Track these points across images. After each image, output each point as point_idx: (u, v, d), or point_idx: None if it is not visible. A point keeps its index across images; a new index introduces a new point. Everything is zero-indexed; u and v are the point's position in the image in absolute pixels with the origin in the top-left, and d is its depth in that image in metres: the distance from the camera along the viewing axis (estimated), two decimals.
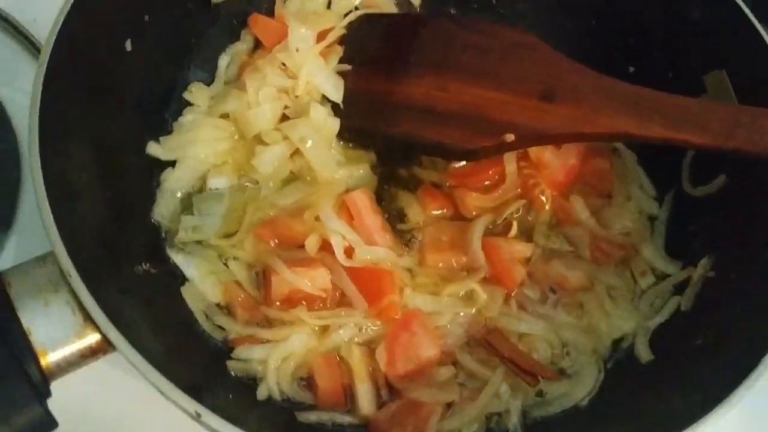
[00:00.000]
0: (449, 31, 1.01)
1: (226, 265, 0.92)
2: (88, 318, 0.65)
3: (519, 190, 1.00)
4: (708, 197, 0.96)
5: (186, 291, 0.89)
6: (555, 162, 1.00)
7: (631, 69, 1.05)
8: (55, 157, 0.74)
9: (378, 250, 0.91)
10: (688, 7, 0.97)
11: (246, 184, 0.97)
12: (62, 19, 0.80)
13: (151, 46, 0.94)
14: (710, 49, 0.96)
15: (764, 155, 0.79)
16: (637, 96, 0.86)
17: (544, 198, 1.00)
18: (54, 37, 0.79)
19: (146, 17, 0.93)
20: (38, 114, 0.74)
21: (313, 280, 0.87)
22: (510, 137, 0.90)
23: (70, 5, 0.81)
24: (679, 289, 0.93)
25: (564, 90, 0.90)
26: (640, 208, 1.01)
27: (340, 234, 0.90)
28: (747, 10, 0.92)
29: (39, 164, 0.71)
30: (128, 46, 0.90)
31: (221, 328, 0.88)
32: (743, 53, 0.93)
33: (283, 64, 1.00)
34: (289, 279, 0.86)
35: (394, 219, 0.99)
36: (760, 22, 0.91)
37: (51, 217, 0.67)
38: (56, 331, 0.65)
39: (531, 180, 1.00)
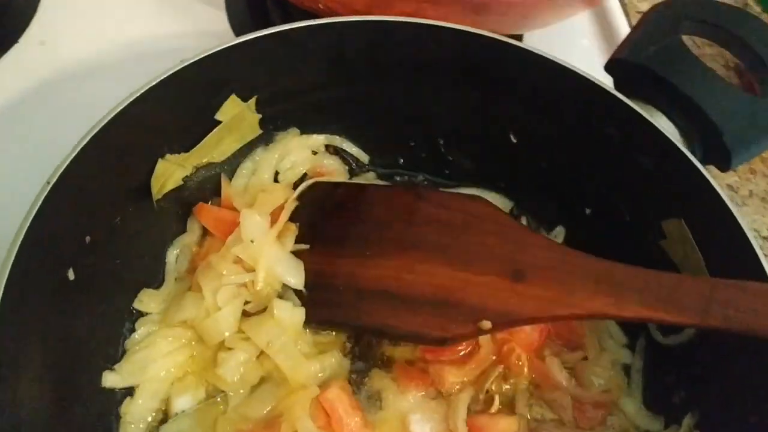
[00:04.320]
0: (407, 203, 0.98)
1: None
2: None
3: (494, 357, 0.99)
4: (681, 346, 0.97)
5: None
6: (528, 327, 0.99)
7: (588, 211, 1.06)
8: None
9: None
10: (640, 158, 0.98)
11: (213, 397, 0.91)
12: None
13: (94, 269, 0.87)
14: (665, 197, 0.97)
15: (741, 332, 0.80)
16: (610, 273, 0.85)
17: (520, 363, 0.98)
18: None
19: (87, 238, 0.86)
20: None
21: None
22: (487, 324, 0.87)
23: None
24: None
25: (533, 268, 0.88)
26: (613, 359, 1.01)
27: None
28: (696, 162, 0.94)
29: None
30: (71, 275, 0.84)
31: None
32: (697, 204, 0.95)
33: (238, 257, 0.95)
34: None
35: (371, 402, 0.95)
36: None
37: None
38: None
39: (505, 345, 0.98)
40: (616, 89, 0.93)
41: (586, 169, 1.04)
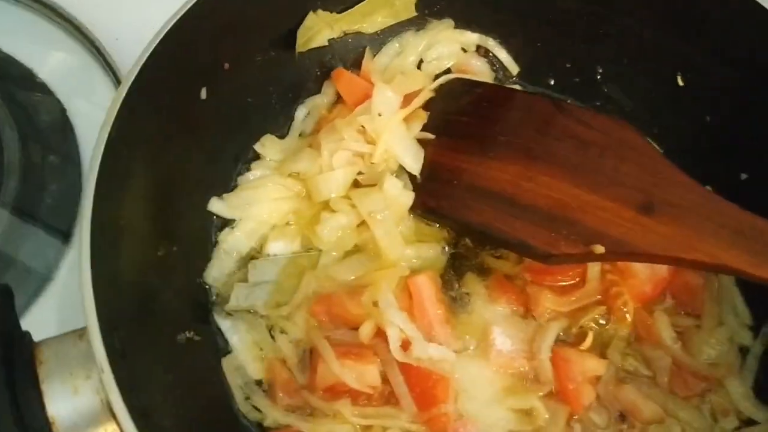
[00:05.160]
0: (547, 114, 0.92)
1: (273, 337, 0.86)
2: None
3: (599, 296, 0.92)
4: None
5: (227, 363, 0.84)
6: (644, 272, 0.91)
7: (743, 176, 0.95)
8: (110, 201, 0.70)
9: (437, 349, 0.83)
10: None
11: (306, 251, 0.91)
12: (145, 56, 0.77)
13: (227, 96, 0.89)
14: None
15: None
16: (753, 226, 0.76)
17: (625, 310, 0.91)
18: (135, 73, 0.75)
19: (226, 65, 0.88)
20: (103, 149, 0.70)
21: (361, 376, 0.81)
22: (599, 249, 0.81)
23: (154, 45, 0.77)
24: None
25: (666, 204, 0.81)
26: (731, 336, 0.90)
27: (397, 326, 0.82)
28: None
29: (91, 206, 0.67)
30: (203, 94, 0.86)
31: (258, 409, 0.82)
32: None
33: (363, 127, 0.94)
34: (335, 371, 0.79)
35: (458, 303, 0.92)
36: None
37: (91, 294, 0.62)
38: (81, 424, 0.60)
39: (614, 288, 0.91)
40: None
41: (754, 127, 0.93)
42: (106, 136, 0.71)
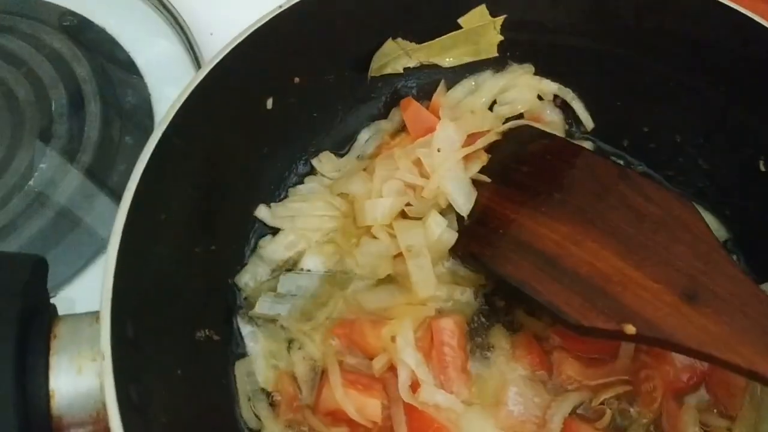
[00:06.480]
0: (609, 178, 0.89)
1: (289, 351, 0.87)
2: None
3: (627, 377, 0.88)
4: None
5: (240, 367, 0.85)
6: (681, 360, 0.86)
7: None
8: (156, 188, 0.72)
9: (446, 397, 0.82)
10: None
11: (340, 271, 0.92)
12: (223, 54, 0.81)
13: (292, 109, 0.91)
14: None
15: None
16: None
17: (654, 395, 0.86)
18: (210, 68, 0.79)
19: (296, 79, 0.90)
20: (161, 134, 0.73)
21: (362, 409, 0.80)
22: (630, 329, 0.77)
23: (233, 45, 0.81)
24: None
25: (711, 295, 0.76)
26: None
27: (410, 367, 0.82)
28: None
29: (134, 188, 0.69)
30: (269, 104, 0.88)
31: (259, 418, 0.84)
32: None
33: (420, 159, 0.94)
34: (337, 397, 0.80)
35: (480, 354, 0.90)
36: None
37: (111, 279, 0.64)
38: (78, 404, 0.63)
39: (645, 370, 0.87)
40: None
41: None
42: (168, 121, 0.74)
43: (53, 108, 1.06)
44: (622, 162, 1.04)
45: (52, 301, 0.72)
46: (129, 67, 1.14)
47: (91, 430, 0.64)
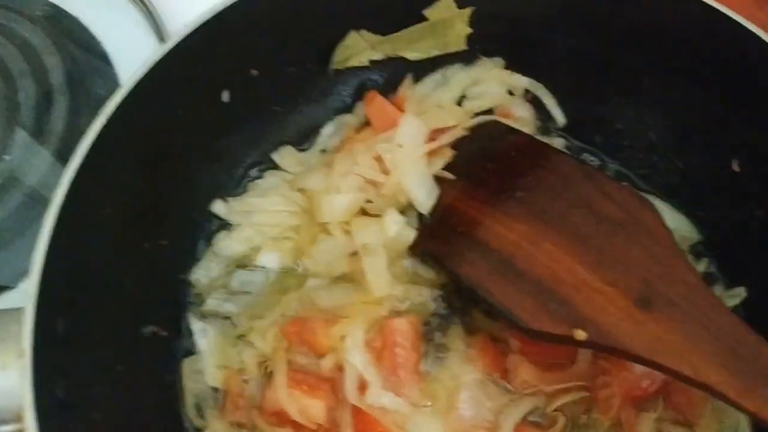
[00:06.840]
0: (571, 177, 0.86)
1: (239, 349, 0.86)
2: None
3: (584, 383, 0.85)
4: None
5: (187, 364, 0.84)
6: (640, 368, 0.83)
7: None
8: (96, 179, 0.71)
9: (392, 399, 0.80)
10: None
11: (296, 268, 0.90)
12: (174, 42, 0.78)
13: (251, 102, 0.90)
14: None
15: None
16: (756, 350, 0.68)
17: (611, 403, 0.84)
18: (161, 54, 0.77)
19: (253, 72, 0.88)
20: (106, 120, 0.71)
21: (305, 410, 0.79)
22: (581, 335, 0.75)
23: (186, 33, 0.79)
24: None
25: (665, 301, 0.74)
26: None
27: (357, 368, 0.80)
28: None
29: (71, 177, 0.68)
30: (225, 96, 0.87)
31: (203, 417, 0.83)
32: None
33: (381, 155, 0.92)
34: (280, 396, 0.78)
35: (434, 356, 0.87)
36: None
37: (39, 273, 0.64)
38: (2, 401, 0.63)
39: (603, 377, 0.84)
40: None
41: None
42: (114, 106, 0.72)
43: (22, 98, 1.06)
44: (596, 159, 1.01)
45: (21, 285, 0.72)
46: (101, 56, 1.13)
47: (16, 428, 0.64)
